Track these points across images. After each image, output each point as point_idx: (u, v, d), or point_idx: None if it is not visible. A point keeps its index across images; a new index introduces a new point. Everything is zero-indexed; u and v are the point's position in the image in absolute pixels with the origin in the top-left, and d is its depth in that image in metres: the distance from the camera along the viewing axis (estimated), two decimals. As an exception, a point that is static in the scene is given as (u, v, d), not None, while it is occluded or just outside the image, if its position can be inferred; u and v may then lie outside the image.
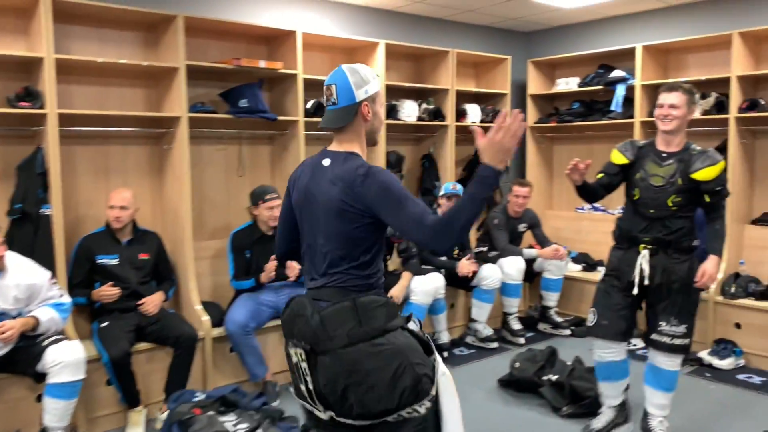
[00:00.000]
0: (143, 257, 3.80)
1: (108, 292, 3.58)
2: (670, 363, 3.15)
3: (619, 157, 3.20)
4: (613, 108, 5.40)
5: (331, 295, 1.92)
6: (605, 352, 3.20)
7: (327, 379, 1.86)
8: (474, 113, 5.59)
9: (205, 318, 3.91)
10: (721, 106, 4.81)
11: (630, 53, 5.25)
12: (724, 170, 3.05)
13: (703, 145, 5.25)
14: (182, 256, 4.04)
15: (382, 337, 1.85)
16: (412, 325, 1.98)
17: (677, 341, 3.10)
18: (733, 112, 4.68)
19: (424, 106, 5.22)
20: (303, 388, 1.94)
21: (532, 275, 5.33)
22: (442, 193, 4.81)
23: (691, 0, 5.18)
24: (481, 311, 4.94)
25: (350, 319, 1.85)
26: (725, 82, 4.72)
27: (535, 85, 6.07)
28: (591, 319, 3.24)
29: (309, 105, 4.53)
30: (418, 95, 5.44)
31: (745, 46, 4.67)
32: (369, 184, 1.85)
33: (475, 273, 4.79)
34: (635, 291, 3.10)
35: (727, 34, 4.68)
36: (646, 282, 3.05)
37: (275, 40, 4.57)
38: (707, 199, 3.05)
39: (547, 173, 6.30)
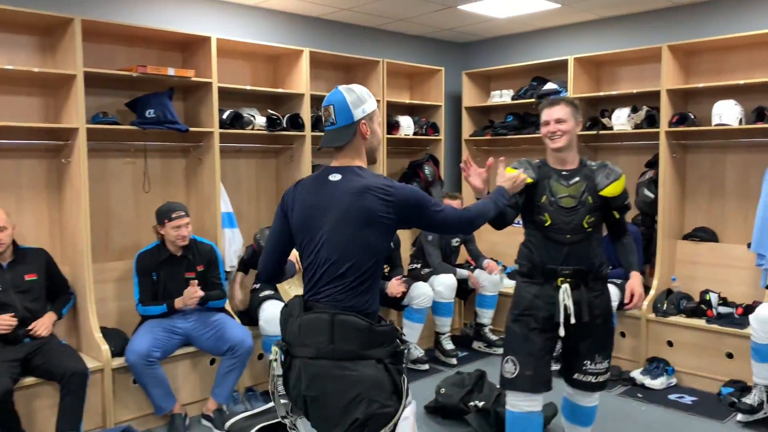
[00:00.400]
0: (30, 278, 3.46)
1: (5, 322, 3.24)
2: (591, 400, 2.96)
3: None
4: (546, 121, 5.28)
5: (324, 305, 1.94)
6: (524, 402, 2.76)
7: (294, 382, 1.93)
8: (407, 125, 5.41)
9: (105, 347, 3.58)
10: (652, 119, 4.75)
11: (564, 66, 5.15)
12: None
13: (637, 159, 5.27)
14: (81, 279, 3.70)
15: (351, 362, 1.86)
16: (407, 356, 1.99)
17: (601, 378, 2.86)
18: (664, 126, 4.62)
19: (353, 117, 5.00)
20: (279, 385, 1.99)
21: (467, 292, 5.16)
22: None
23: (624, 12, 5.13)
24: (412, 332, 4.73)
25: (323, 333, 1.87)
26: (656, 95, 4.66)
27: (469, 97, 5.94)
28: (510, 369, 2.76)
29: (225, 115, 4.26)
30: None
31: (674, 60, 4.62)
32: (402, 194, 1.98)
33: (404, 293, 4.60)
34: (562, 332, 2.72)
35: (657, 47, 4.62)
36: (572, 320, 2.71)
37: (190, 47, 4.29)
38: (616, 215, 2.85)
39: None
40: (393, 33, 5.73)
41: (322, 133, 4.74)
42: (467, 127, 5.97)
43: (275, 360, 1.96)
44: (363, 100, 2.04)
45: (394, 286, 4.54)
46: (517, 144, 5.78)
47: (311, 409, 1.91)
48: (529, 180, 2.77)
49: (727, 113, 4.34)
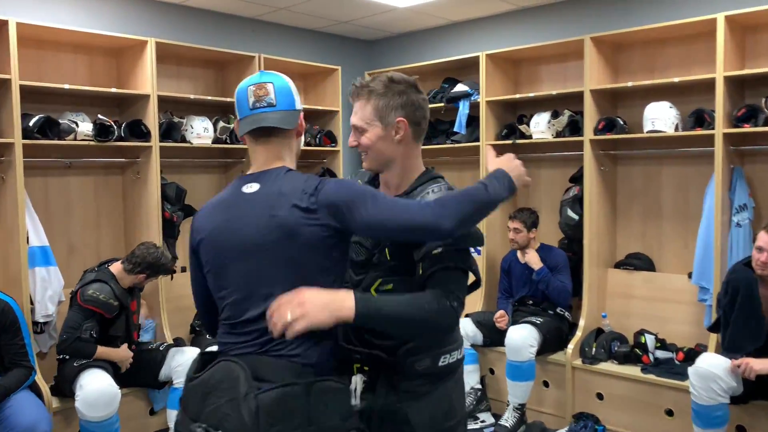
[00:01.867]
0: None
1: None
2: None
3: None
4: (456, 129, 4.51)
5: (276, 369, 1.42)
6: None
7: None
8: (294, 134, 4.54)
9: None
10: (576, 126, 4.00)
11: (478, 64, 4.36)
12: None
13: (561, 173, 4.44)
14: None
15: None
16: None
17: None
18: (588, 134, 3.87)
19: (222, 124, 4.12)
20: None
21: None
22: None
23: (546, 1, 4.38)
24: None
25: (297, 413, 1.37)
26: (581, 97, 3.90)
27: (375, 102, 5.11)
28: None
29: (32, 122, 3.32)
30: (223, 111, 4.33)
31: (599, 55, 3.89)
32: (326, 193, 1.49)
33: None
34: None
35: (579, 40, 3.87)
36: None
37: (-11, 35, 3.35)
38: (420, 269, 1.57)
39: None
40: (283, 27, 4.86)
41: (174, 143, 3.98)
42: (373, 137, 5.14)
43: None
44: (298, 92, 1.66)
45: None
46: (427, 156, 4.97)
47: None
48: None
49: (660, 118, 3.61)
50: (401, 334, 1.57)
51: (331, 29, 5.06)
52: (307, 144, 4.65)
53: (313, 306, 1.40)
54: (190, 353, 3.32)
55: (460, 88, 4.49)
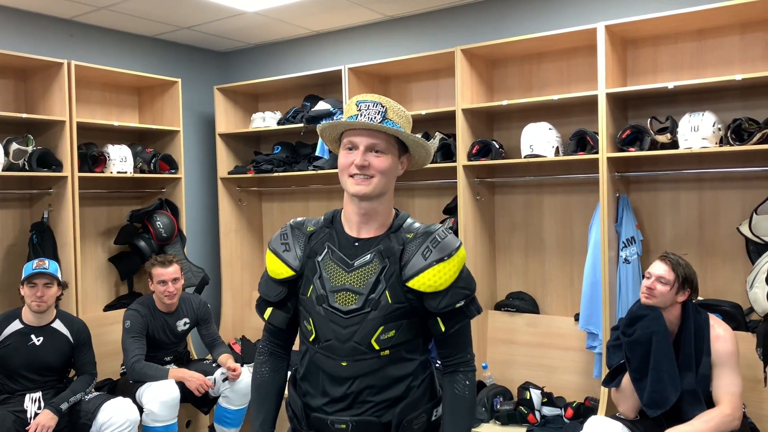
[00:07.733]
0: None
1: None
2: None
3: (277, 267, 1.61)
4: (318, 153, 3.92)
5: None
6: None
7: None
8: (120, 158, 3.75)
9: None
10: (449, 150, 3.52)
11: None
12: (465, 270, 1.56)
13: (436, 203, 3.89)
14: None
15: None
16: None
17: None
18: (462, 159, 3.39)
19: (16, 146, 3.27)
20: None
21: (205, 401, 3.52)
22: (24, 276, 2.94)
23: (418, 10, 3.91)
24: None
25: None
26: (455, 118, 3.43)
27: (226, 122, 4.42)
28: None
29: None
30: (27, 129, 3.48)
31: (473, 70, 3.44)
32: None
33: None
34: None
35: (450, 54, 3.41)
36: None
37: None
38: (441, 326, 1.55)
39: (251, 238, 4.60)
40: (111, 31, 4.08)
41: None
42: (226, 162, 4.43)
43: None
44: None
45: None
46: (288, 184, 4.37)
47: None
48: (289, 272, 1.59)
49: (539, 140, 3.19)
50: None
51: (172, 36, 4.33)
52: (140, 171, 3.89)
53: None
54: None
55: (322, 106, 3.89)
